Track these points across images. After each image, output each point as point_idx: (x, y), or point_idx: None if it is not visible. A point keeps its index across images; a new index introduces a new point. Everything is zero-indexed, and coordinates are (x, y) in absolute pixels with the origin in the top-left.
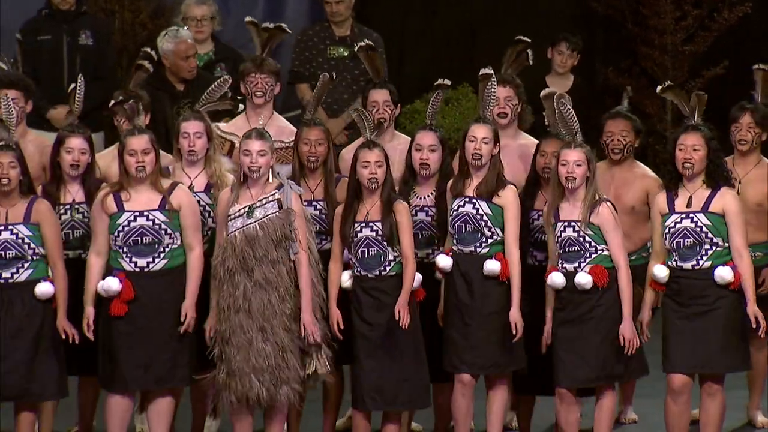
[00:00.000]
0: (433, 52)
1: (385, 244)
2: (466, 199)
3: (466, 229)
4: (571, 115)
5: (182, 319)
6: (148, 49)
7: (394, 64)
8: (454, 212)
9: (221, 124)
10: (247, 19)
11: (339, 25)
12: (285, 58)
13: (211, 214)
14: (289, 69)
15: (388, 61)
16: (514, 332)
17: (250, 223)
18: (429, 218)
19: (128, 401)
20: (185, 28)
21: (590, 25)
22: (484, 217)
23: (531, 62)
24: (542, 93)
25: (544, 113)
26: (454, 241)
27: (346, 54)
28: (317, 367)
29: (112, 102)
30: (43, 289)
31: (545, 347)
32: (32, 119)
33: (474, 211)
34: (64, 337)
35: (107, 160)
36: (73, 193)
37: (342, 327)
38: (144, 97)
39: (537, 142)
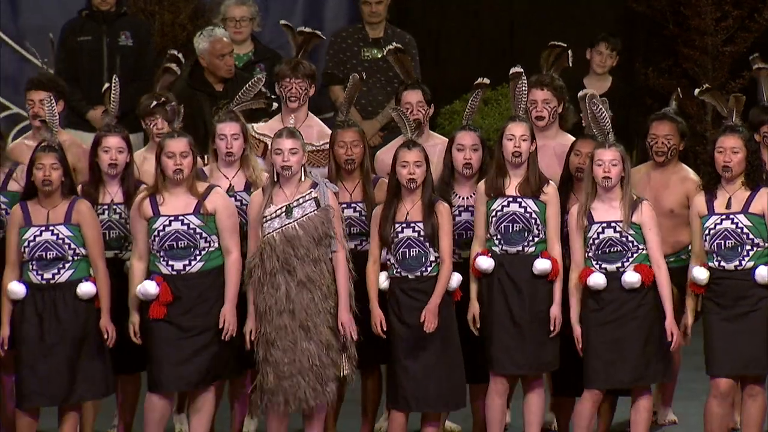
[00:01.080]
0: (473, 53)
1: (427, 245)
2: (510, 199)
3: (513, 228)
4: (603, 115)
5: (221, 325)
6: (175, 52)
7: (432, 64)
8: (498, 212)
9: (255, 125)
10: (282, 22)
11: (372, 26)
12: (320, 59)
13: None
14: (323, 71)
15: (427, 61)
16: (552, 328)
17: (288, 223)
18: (474, 218)
19: (166, 401)
20: (221, 27)
21: (631, 25)
22: (533, 215)
23: (570, 64)
24: (579, 94)
25: (581, 114)
26: (496, 241)
27: (379, 56)
28: (345, 369)
29: (155, 104)
30: (85, 289)
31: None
32: (72, 120)
33: (522, 210)
34: (106, 337)
35: (138, 161)
36: (112, 193)
37: (384, 328)
38: (172, 100)
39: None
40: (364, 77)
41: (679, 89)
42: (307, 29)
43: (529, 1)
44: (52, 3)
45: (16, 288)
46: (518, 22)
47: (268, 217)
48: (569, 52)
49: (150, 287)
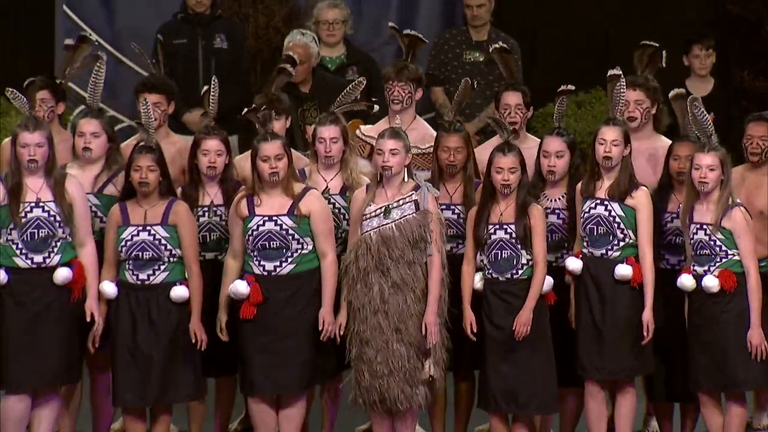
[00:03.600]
0: (566, 55)
1: (519, 246)
2: (597, 201)
3: (597, 231)
4: (704, 117)
5: (320, 327)
6: (290, 53)
7: (526, 66)
8: (586, 214)
9: (363, 127)
10: (390, 24)
11: (477, 29)
12: (420, 61)
13: (346, 216)
14: (425, 72)
15: (522, 64)
16: (645, 334)
17: (386, 224)
18: (560, 221)
19: (264, 404)
20: (312, 30)
21: (725, 27)
22: (617, 219)
23: (664, 64)
24: (671, 94)
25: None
26: (585, 243)
27: (481, 59)
28: (432, 372)
29: (246, 110)
30: (179, 292)
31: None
32: (170, 123)
33: (606, 213)
34: (194, 341)
35: (242, 162)
36: (212, 195)
37: (475, 330)
38: (284, 101)
39: (670, 143)
40: (476, 85)
41: None
42: (412, 32)
43: (622, 3)
44: (147, 6)
45: (108, 288)
46: (612, 24)
47: (368, 216)
48: (663, 52)
49: (241, 287)
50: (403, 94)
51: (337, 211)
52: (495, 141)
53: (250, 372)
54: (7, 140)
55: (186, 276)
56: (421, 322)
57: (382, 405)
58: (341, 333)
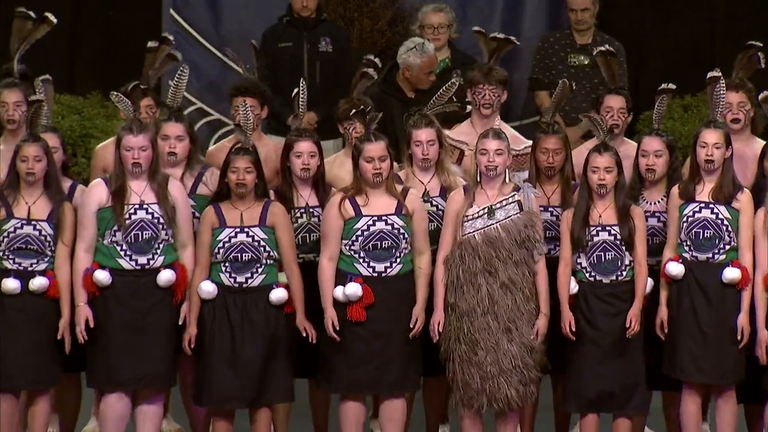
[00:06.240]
0: (673, 58)
1: (624, 248)
2: (702, 205)
3: (704, 235)
4: None
5: (412, 324)
6: (372, 57)
7: (632, 70)
8: (689, 218)
9: (449, 132)
10: (475, 28)
11: (581, 33)
12: (525, 65)
13: None
14: (529, 76)
15: (628, 67)
16: (738, 338)
17: (491, 224)
18: (661, 224)
19: (360, 406)
20: (428, 40)
21: None
22: (725, 222)
23: (762, 65)
24: (761, 96)
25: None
26: (687, 248)
27: (586, 62)
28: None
29: (354, 111)
30: (279, 295)
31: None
32: (273, 126)
33: (713, 216)
34: (304, 334)
35: (336, 164)
36: (305, 197)
37: (574, 330)
38: (369, 105)
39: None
40: (574, 86)
41: None
42: (501, 35)
43: (730, 3)
44: (252, 10)
45: (209, 287)
46: (719, 25)
47: (470, 217)
48: (759, 54)
49: (355, 288)
50: (493, 98)
51: (440, 213)
52: (590, 144)
53: (356, 373)
54: (99, 145)
55: (279, 278)
56: (530, 322)
57: (489, 408)
58: (441, 329)
